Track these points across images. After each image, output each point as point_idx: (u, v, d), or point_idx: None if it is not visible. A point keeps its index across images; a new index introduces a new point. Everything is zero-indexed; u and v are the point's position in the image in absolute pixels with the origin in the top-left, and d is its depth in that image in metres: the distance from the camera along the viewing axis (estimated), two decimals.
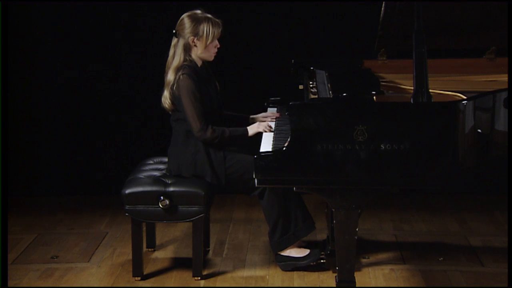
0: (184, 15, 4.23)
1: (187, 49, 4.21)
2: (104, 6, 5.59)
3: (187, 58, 4.21)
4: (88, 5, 5.59)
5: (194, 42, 4.20)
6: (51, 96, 5.74)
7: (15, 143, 5.71)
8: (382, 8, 4.17)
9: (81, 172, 5.81)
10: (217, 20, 4.22)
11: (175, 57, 4.22)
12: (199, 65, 4.26)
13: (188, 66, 4.19)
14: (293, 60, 4.81)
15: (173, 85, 4.16)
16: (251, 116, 4.51)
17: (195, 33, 4.18)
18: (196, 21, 4.19)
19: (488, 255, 4.54)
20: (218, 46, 4.27)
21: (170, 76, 4.20)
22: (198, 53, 4.23)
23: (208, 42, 4.20)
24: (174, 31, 4.25)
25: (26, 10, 5.61)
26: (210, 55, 4.27)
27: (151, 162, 4.58)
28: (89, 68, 5.70)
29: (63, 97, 5.74)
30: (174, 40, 4.26)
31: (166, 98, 4.21)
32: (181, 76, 4.14)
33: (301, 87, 4.66)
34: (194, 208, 4.17)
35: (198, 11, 4.23)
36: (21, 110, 5.73)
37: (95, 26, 5.64)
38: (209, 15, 4.22)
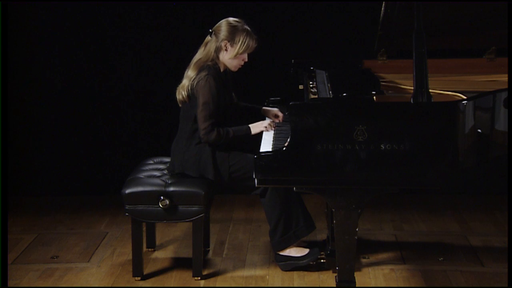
0: (225, 20, 4.24)
1: (217, 50, 4.22)
2: (104, 6, 5.59)
3: (214, 59, 4.22)
4: (88, 5, 5.59)
5: (226, 47, 4.20)
6: (51, 96, 5.74)
7: (15, 143, 5.71)
8: (382, 8, 4.17)
9: (81, 172, 5.81)
10: (255, 36, 4.24)
11: (204, 54, 4.24)
12: (221, 70, 4.26)
13: (213, 68, 4.20)
14: (293, 60, 4.81)
15: (194, 79, 4.18)
16: (264, 108, 4.52)
17: (230, 38, 4.19)
18: (235, 28, 4.20)
19: (488, 255, 4.54)
20: (246, 60, 4.28)
21: (192, 71, 4.22)
22: (226, 58, 4.23)
23: (239, 52, 4.20)
24: (210, 30, 4.25)
25: (26, 10, 5.61)
26: (235, 65, 4.27)
27: (151, 162, 4.58)
28: (89, 68, 5.70)
29: (63, 97, 5.74)
30: (207, 39, 4.27)
31: (182, 89, 4.22)
32: (205, 76, 4.14)
33: (301, 87, 4.66)
34: (194, 208, 4.17)
35: (239, 21, 4.24)
36: (21, 110, 5.73)
37: (95, 26, 5.64)
38: (248, 28, 4.23)
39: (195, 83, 4.17)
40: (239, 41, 4.19)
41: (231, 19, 4.25)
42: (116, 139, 5.79)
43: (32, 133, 5.79)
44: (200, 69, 4.20)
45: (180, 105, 4.32)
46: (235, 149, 4.29)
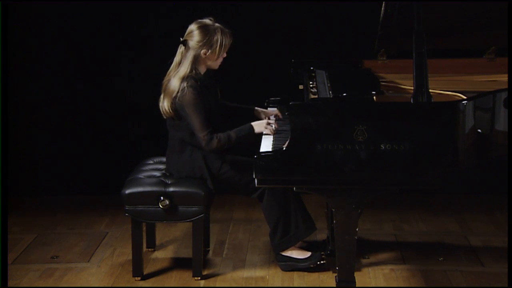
0: (195, 26, 4.14)
1: (196, 60, 4.14)
2: (104, 7, 5.58)
3: (194, 70, 4.14)
4: (89, 6, 5.59)
5: (206, 55, 4.13)
6: (51, 96, 5.73)
7: (15, 143, 5.71)
8: (382, 8, 4.17)
9: (81, 172, 5.81)
10: (227, 30, 4.15)
11: (182, 66, 4.14)
12: (202, 73, 4.21)
13: (192, 78, 4.11)
14: (293, 60, 4.81)
15: (176, 95, 4.10)
16: (256, 108, 4.49)
17: (208, 46, 4.11)
18: (208, 33, 4.11)
19: (488, 255, 4.54)
20: (225, 56, 4.22)
21: (174, 85, 4.11)
22: (207, 63, 4.19)
23: (219, 55, 4.15)
24: (182, 40, 4.16)
25: (26, 10, 5.61)
26: (217, 64, 4.22)
27: (151, 162, 4.58)
28: (89, 68, 5.70)
29: (63, 97, 5.74)
30: (181, 48, 4.17)
31: (165, 106, 4.14)
32: (186, 89, 4.06)
33: (301, 87, 4.66)
34: (194, 208, 4.17)
35: (209, 21, 4.15)
36: (21, 110, 5.73)
37: (96, 26, 5.64)
38: (220, 26, 4.14)
39: (177, 98, 4.09)
40: (217, 45, 4.11)
41: (201, 22, 4.14)
42: (116, 139, 5.79)
43: (32, 133, 5.78)
44: (181, 81, 4.10)
45: (164, 117, 4.25)
46: (228, 153, 4.28)
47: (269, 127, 4.15)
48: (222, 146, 4.12)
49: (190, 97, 4.07)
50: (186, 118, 4.12)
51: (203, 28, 4.13)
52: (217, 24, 4.15)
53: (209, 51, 4.13)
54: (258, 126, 4.16)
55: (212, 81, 4.31)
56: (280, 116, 4.45)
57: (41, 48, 5.69)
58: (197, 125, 4.08)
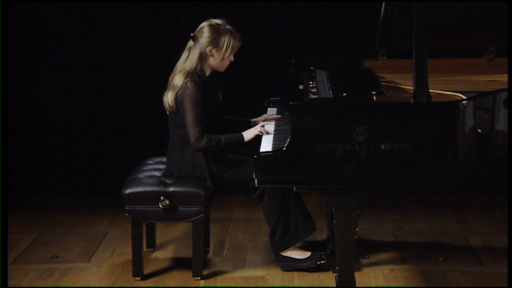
0: (206, 23, 4.18)
1: (202, 57, 4.17)
2: (104, 7, 5.59)
3: (199, 66, 4.17)
4: (88, 6, 5.59)
5: (211, 53, 4.16)
6: (51, 96, 5.74)
7: (15, 143, 5.71)
8: (382, 8, 4.17)
9: (81, 172, 5.81)
10: (238, 34, 4.18)
11: (188, 61, 4.18)
12: (207, 74, 4.23)
13: (197, 74, 4.14)
14: (293, 60, 4.81)
15: (179, 89, 4.13)
16: (253, 120, 4.51)
17: (215, 44, 4.14)
18: (217, 32, 4.14)
19: (488, 255, 4.54)
20: (232, 60, 4.24)
21: (179, 80, 4.15)
22: (213, 63, 4.20)
23: (226, 56, 4.17)
24: (192, 35, 4.19)
25: (26, 10, 5.61)
26: (223, 66, 4.24)
27: (151, 162, 4.59)
28: (89, 68, 5.70)
29: (62, 97, 5.74)
30: (190, 43, 4.21)
31: (169, 100, 4.17)
32: (188, 84, 4.10)
33: (301, 87, 4.66)
34: (194, 208, 4.17)
35: (221, 22, 4.18)
36: (21, 110, 5.73)
37: (95, 26, 5.64)
38: (231, 28, 4.17)
39: (179, 92, 4.12)
40: (224, 45, 4.14)
41: (212, 21, 4.18)
42: (116, 139, 5.79)
43: (32, 133, 5.79)
44: (185, 76, 4.13)
45: (168, 113, 4.28)
46: (230, 153, 4.28)
47: (258, 127, 4.19)
48: (210, 147, 4.13)
49: (191, 92, 4.09)
50: (183, 114, 4.13)
51: (213, 26, 4.16)
52: (228, 26, 4.18)
53: (215, 49, 4.15)
54: (248, 134, 4.21)
55: (215, 83, 4.32)
56: (279, 117, 4.46)
57: (42, 48, 5.69)
58: (191, 120, 4.10)
